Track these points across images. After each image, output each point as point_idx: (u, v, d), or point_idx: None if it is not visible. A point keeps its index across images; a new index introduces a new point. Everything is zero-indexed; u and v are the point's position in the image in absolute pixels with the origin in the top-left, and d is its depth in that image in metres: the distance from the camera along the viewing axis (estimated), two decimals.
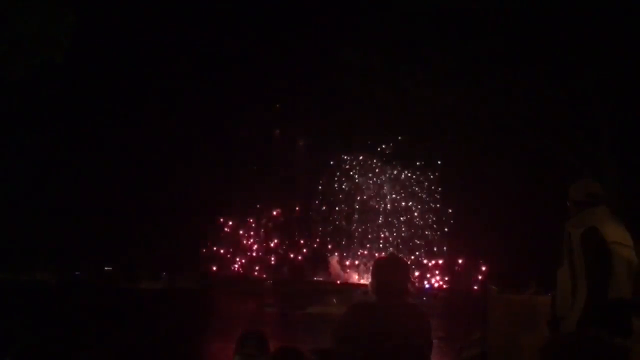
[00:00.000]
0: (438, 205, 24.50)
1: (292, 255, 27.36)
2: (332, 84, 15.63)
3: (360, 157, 25.26)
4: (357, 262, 26.25)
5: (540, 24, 10.67)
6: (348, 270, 26.79)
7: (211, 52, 21.62)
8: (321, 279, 25.65)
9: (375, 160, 24.05)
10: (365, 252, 27.30)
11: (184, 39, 20.57)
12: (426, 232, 24.98)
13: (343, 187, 25.74)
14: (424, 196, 24.94)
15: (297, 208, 26.63)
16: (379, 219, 26.48)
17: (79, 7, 10.55)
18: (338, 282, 25.28)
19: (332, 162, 25.34)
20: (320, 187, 26.02)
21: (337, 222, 25.96)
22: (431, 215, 25.05)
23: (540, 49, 10.96)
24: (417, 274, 25.93)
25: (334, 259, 24.31)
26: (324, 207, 25.93)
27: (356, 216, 26.13)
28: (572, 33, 10.59)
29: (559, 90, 11.15)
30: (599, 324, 3.48)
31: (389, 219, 26.54)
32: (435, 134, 13.09)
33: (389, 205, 25.84)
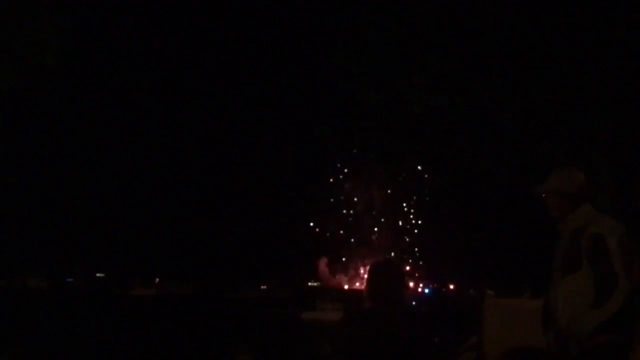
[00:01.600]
0: (429, 223, 24.23)
1: (283, 262, 27.26)
2: (322, 88, 15.60)
3: (346, 170, 25.00)
4: (344, 259, 26.03)
5: (535, 25, 10.67)
6: (337, 275, 26.59)
7: (204, 57, 21.61)
8: (316, 284, 25.53)
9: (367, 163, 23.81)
10: (355, 256, 27.15)
11: (178, 42, 20.53)
12: (408, 238, 24.81)
13: (331, 200, 25.58)
14: (412, 202, 24.81)
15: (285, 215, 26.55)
16: (367, 223, 26.34)
17: (73, 11, 10.48)
18: (345, 287, 25.13)
19: (327, 170, 25.14)
20: (306, 192, 25.85)
21: (326, 226, 25.80)
22: (422, 219, 24.93)
23: (534, 50, 10.95)
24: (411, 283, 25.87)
25: (323, 262, 24.10)
26: (311, 223, 25.73)
27: (341, 231, 25.92)
28: (567, 34, 10.59)
29: (553, 92, 11.13)
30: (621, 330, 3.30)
31: (375, 229, 26.36)
32: (429, 136, 13.05)
33: (374, 211, 25.68)
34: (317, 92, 18.91)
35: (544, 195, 3.61)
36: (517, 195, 15.24)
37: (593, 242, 3.32)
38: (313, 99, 19.98)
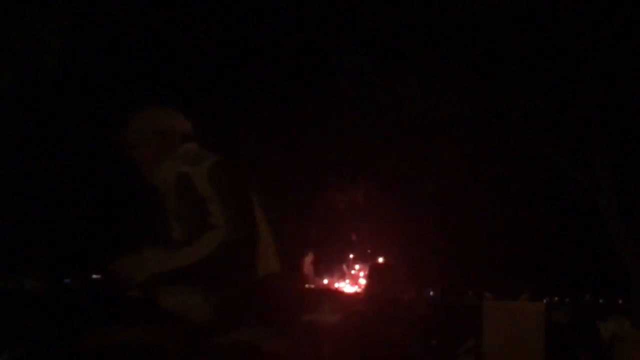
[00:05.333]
0: (426, 224, 23.92)
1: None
2: (317, 87, 15.59)
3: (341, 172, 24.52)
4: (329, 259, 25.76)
5: (533, 27, 10.67)
6: (323, 275, 26.21)
7: (203, 56, 21.52)
8: (312, 285, 25.37)
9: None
10: (344, 258, 26.90)
11: (177, 42, 20.46)
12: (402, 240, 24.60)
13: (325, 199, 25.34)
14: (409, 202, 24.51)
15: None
16: (359, 224, 26.08)
17: (72, 9, 10.46)
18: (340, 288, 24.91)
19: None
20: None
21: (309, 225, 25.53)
22: (418, 220, 24.72)
23: (533, 52, 10.95)
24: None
25: (309, 259, 23.73)
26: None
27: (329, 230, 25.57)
28: (566, 37, 10.60)
29: (553, 95, 11.14)
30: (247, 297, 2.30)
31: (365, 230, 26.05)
32: (426, 137, 13.06)
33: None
34: (311, 92, 18.84)
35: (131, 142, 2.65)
36: (514, 198, 15.24)
37: (177, 181, 2.44)
38: (307, 98, 19.93)
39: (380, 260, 23.33)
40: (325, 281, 26.63)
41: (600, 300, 32.20)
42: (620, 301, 25.01)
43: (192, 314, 2.31)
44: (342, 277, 26.70)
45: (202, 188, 2.37)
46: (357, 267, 26.83)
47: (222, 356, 2.23)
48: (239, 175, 2.46)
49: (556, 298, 30.90)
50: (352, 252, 27.04)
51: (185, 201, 2.41)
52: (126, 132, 2.65)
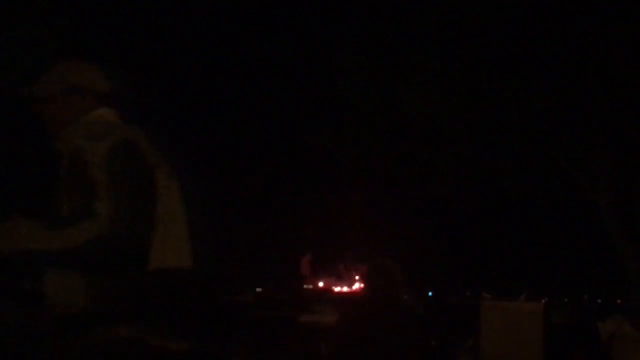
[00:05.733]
0: (424, 225, 23.79)
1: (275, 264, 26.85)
2: (316, 90, 15.56)
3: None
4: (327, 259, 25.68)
5: (534, 27, 10.68)
6: (320, 275, 26.09)
7: (203, 57, 21.47)
8: (311, 286, 25.27)
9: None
10: (341, 258, 26.82)
11: (176, 43, 20.42)
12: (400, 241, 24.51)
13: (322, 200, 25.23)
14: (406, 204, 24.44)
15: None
16: (357, 225, 25.98)
17: (70, 10, 10.46)
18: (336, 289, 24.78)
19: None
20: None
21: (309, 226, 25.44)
22: (416, 221, 24.65)
23: (533, 52, 10.96)
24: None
25: (307, 258, 23.55)
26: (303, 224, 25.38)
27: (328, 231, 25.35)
28: (567, 36, 10.60)
29: (552, 95, 11.14)
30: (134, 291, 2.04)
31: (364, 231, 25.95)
32: (425, 138, 13.05)
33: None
34: (310, 95, 18.83)
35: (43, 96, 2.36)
36: (514, 198, 15.25)
37: (69, 159, 2.13)
38: (305, 101, 19.93)
39: (379, 260, 23.11)
40: (321, 284, 26.51)
41: (599, 301, 32.21)
42: (619, 301, 25.04)
43: (67, 301, 2.05)
44: (340, 277, 26.64)
45: (96, 170, 2.04)
46: (353, 268, 26.79)
47: (102, 351, 1.99)
48: (145, 160, 2.11)
49: (555, 298, 30.89)
50: (350, 252, 26.98)
51: (75, 177, 2.09)
52: (38, 85, 2.36)
